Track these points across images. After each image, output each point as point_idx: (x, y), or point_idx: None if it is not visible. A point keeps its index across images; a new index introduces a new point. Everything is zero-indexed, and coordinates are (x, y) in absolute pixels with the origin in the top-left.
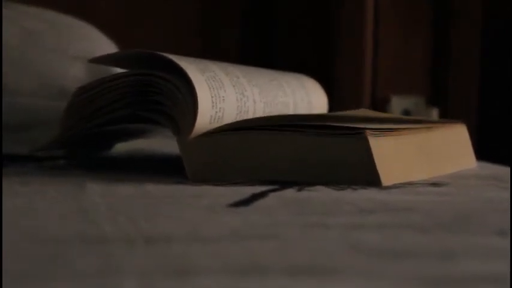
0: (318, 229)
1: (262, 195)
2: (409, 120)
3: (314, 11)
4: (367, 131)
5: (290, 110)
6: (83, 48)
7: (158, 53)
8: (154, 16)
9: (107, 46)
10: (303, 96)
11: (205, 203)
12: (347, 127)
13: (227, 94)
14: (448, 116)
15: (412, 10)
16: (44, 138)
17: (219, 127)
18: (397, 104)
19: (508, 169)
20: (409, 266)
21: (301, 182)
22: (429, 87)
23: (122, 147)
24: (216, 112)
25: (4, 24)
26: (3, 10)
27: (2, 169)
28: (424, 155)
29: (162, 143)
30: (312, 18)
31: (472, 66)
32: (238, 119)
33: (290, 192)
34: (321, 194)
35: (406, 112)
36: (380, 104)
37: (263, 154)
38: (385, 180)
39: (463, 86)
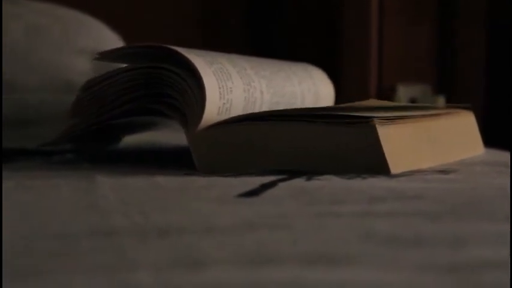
0: (329, 218)
1: (271, 185)
2: (417, 107)
3: (319, 2)
4: (375, 119)
5: (297, 101)
6: (90, 43)
7: (165, 45)
8: (155, 7)
9: (113, 40)
10: (310, 87)
11: (215, 194)
12: (355, 116)
13: (235, 85)
14: (454, 102)
15: (417, 3)
16: (52, 133)
17: (227, 119)
18: (404, 92)
19: None
20: (421, 253)
21: (310, 171)
22: (435, 75)
23: (129, 140)
24: (224, 103)
25: (11, 20)
26: (10, 6)
27: (9, 165)
28: (431, 142)
29: (169, 135)
30: (317, 8)
31: (478, 54)
32: (246, 109)
33: (299, 182)
34: (330, 182)
35: (413, 100)
36: (386, 93)
37: (271, 144)
38: (394, 168)
39: (469, 73)
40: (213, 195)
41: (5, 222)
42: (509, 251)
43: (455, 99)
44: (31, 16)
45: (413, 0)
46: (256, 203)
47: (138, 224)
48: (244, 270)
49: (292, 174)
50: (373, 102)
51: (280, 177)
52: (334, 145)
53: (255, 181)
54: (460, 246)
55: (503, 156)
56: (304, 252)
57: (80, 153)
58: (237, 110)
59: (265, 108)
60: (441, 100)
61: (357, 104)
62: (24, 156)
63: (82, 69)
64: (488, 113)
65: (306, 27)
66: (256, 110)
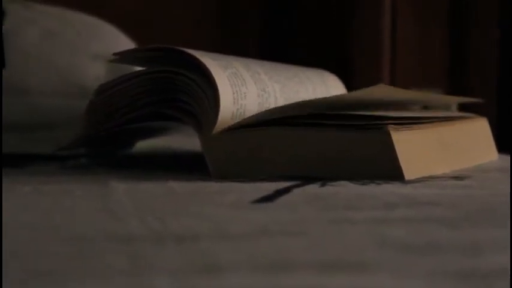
0: (344, 224)
1: (285, 191)
2: (431, 113)
3: (332, 4)
4: (389, 125)
5: None
6: (103, 47)
7: (179, 48)
8: (172, 7)
9: (126, 45)
10: (324, 93)
11: (230, 200)
12: (368, 116)
13: (249, 91)
14: (467, 108)
15: (429, 3)
16: (66, 138)
17: (240, 122)
18: None
19: None
20: (437, 260)
21: (324, 177)
22: (448, 80)
23: (142, 145)
24: (238, 109)
25: (24, 25)
26: (23, 11)
27: (25, 169)
28: (445, 147)
29: (181, 140)
30: (330, 12)
31: (491, 59)
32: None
33: (313, 188)
34: (344, 188)
35: (426, 106)
36: None
37: (284, 150)
38: (408, 174)
39: (481, 78)
40: (227, 201)
41: (23, 225)
42: None
43: (468, 104)
44: (45, 21)
45: (425, 5)
46: (271, 209)
47: (153, 230)
48: (261, 277)
49: (306, 180)
50: (383, 88)
51: (294, 183)
52: (347, 151)
53: (269, 187)
54: (475, 253)
55: None
56: (319, 259)
57: (93, 157)
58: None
59: None
60: (454, 105)
61: (368, 92)
62: (39, 161)
63: (95, 73)
64: (501, 119)
65: (317, 32)
66: None
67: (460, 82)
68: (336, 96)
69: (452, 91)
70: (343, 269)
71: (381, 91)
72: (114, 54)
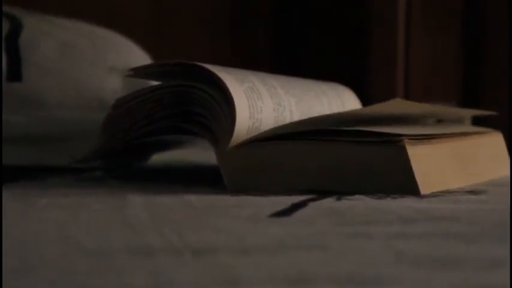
0: (361, 239)
1: (302, 205)
2: (445, 127)
3: (348, 20)
4: (405, 139)
5: None
6: (120, 61)
7: (195, 63)
8: (183, 17)
9: (142, 58)
10: (339, 107)
11: (247, 214)
12: (384, 133)
13: (264, 105)
14: (480, 121)
15: (442, 17)
16: (82, 150)
17: (256, 136)
18: None
19: None
20: (456, 275)
21: (339, 191)
22: (461, 93)
23: (158, 158)
24: (254, 123)
25: (42, 38)
26: (40, 24)
27: (40, 182)
28: (460, 162)
29: (196, 153)
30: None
31: (504, 72)
32: None
33: (329, 202)
34: (360, 203)
35: (439, 120)
36: None
37: (299, 164)
38: (423, 189)
39: (495, 91)
40: (244, 214)
41: (42, 239)
42: None
43: (482, 118)
44: (62, 34)
45: (439, 19)
46: (288, 222)
47: (172, 243)
48: None
49: (322, 194)
50: (398, 103)
51: (310, 196)
52: (362, 165)
53: (285, 201)
54: (493, 268)
55: None
56: (337, 274)
57: (109, 170)
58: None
59: None
60: (467, 119)
61: (383, 107)
62: (54, 173)
63: (112, 86)
64: None
65: (331, 46)
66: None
67: (474, 95)
68: (351, 111)
69: (465, 104)
70: (360, 283)
71: (396, 105)
72: (130, 69)
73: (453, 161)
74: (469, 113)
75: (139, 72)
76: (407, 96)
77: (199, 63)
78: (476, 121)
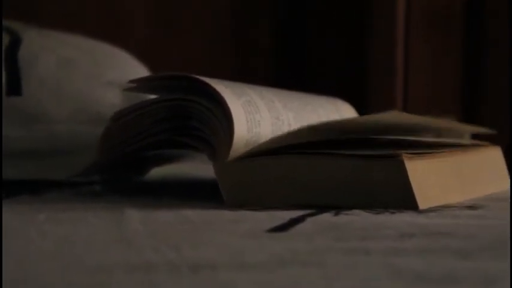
0: (360, 254)
1: (299, 220)
2: (444, 141)
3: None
4: (403, 153)
5: None
6: (118, 75)
7: (193, 76)
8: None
9: (141, 72)
10: None
11: (245, 229)
12: (383, 143)
13: (263, 118)
14: (480, 137)
15: (442, 31)
16: (80, 164)
17: (254, 149)
18: None
19: None
20: None
21: (337, 206)
22: (460, 107)
23: (156, 172)
24: (252, 136)
25: (41, 52)
26: (40, 39)
27: (39, 197)
28: (458, 176)
29: (195, 167)
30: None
31: (504, 88)
32: None
33: (327, 217)
34: (358, 218)
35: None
36: None
37: (297, 178)
38: (422, 204)
39: (494, 107)
40: (242, 229)
41: (41, 255)
42: None
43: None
44: (61, 48)
45: (438, 33)
46: (286, 238)
47: (170, 259)
48: None
49: (320, 209)
50: (396, 115)
51: (307, 211)
52: (360, 179)
53: (283, 215)
54: (491, 284)
55: None
56: None
57: (107, 184)
58: None
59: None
60: (467, 134)
61: (379, 119)
62: (53, 187)
63: (111, 101)
64: None
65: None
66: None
67: (473, 109)
68: (348, 120)
69: (464, 118)
70: None
71: (394, 117)
72: (128, 82)
73: (452, 176)
74: (467, 129)
75: (137, 85)
76: (405, 111)
77: (197, 77)
78: (476, 136)
